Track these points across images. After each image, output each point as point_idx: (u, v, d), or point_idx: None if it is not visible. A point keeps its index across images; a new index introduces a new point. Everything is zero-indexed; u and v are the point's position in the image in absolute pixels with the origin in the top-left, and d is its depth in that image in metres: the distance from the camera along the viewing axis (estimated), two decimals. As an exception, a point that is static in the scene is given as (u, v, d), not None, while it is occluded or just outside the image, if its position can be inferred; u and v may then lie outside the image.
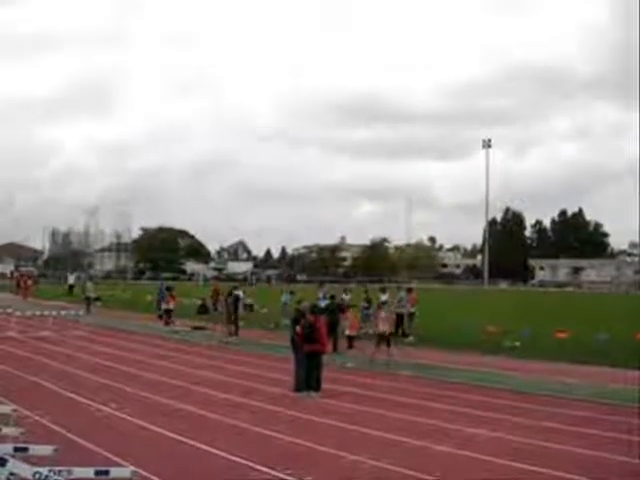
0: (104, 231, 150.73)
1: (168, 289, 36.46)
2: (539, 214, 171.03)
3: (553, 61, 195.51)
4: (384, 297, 30.68)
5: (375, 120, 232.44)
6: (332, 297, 28.36)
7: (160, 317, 36.11)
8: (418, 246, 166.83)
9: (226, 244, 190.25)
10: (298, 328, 17.80)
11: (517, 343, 26.19)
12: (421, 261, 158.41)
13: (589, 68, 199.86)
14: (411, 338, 28.85)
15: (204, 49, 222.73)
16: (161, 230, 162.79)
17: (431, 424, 13.89)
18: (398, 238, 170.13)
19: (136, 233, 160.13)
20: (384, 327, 22.36)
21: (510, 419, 14.43)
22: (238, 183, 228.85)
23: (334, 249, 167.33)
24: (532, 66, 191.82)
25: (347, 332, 25.98)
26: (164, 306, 35.40)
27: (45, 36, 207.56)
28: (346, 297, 31.02)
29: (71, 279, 55.02)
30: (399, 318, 29.80)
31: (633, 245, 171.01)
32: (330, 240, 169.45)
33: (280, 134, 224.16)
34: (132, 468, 8.18)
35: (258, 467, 10.64)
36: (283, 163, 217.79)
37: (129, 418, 13.97)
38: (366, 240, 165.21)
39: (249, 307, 37.98)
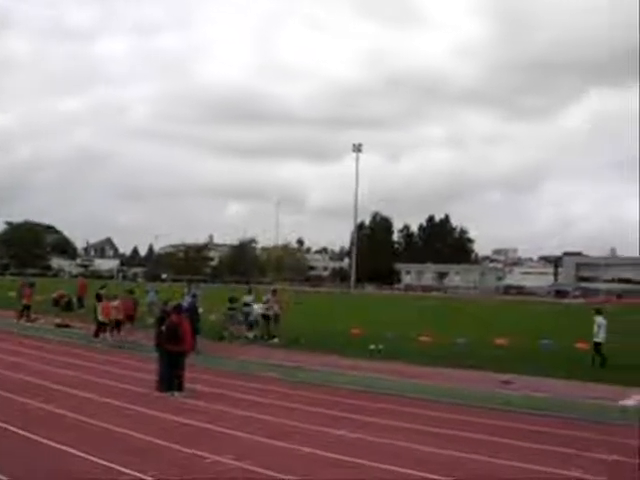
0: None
1: (31, 285, 35.83)
2: (408, 219, 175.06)
3: (431, 70, 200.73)
4: (249, 298, 30.68)
5: (250, 120, 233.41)
6: (194, 296, 27.92)
7: (21, 314, 35.10)
8: (286, 248, 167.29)
9: (93, 240, 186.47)
10: (162, 327, 17.69)
11: (381, 346, 26.59)
12: (288, 263, 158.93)
13: (465, 79, 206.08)
14: (276, 340, 28.91)
15: (84, 43, 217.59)
16: (27, 225, 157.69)
17: (294, 425, 13.96)
18: (268, 239, 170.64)
19: (1, 227, 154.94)
20: (117, 315, 27.15)
21: (374, 420, 14.65)
22: (109, 180, 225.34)
23: (201, 248, 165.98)
24: (410, 74, 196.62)
25: (100, 318, 27.43)
26: (23, 302, 35.16)
27: None
28: (249, 298, 30.84)
29: None
30: (265, 319, 29.89)
31: (496, 252, 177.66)
32: (200, 239, 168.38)
33: (153, 131, 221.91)
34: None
35: (126, 470, 10.46)
36: (155, 161, 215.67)
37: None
38: (236, 240, 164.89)
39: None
